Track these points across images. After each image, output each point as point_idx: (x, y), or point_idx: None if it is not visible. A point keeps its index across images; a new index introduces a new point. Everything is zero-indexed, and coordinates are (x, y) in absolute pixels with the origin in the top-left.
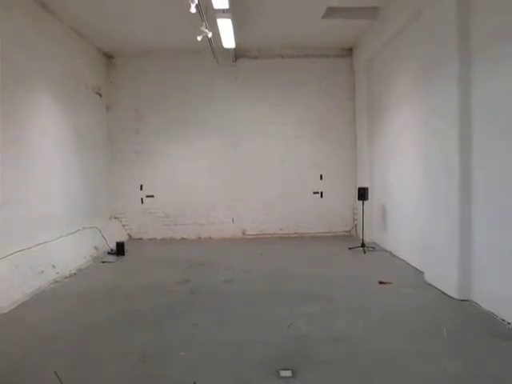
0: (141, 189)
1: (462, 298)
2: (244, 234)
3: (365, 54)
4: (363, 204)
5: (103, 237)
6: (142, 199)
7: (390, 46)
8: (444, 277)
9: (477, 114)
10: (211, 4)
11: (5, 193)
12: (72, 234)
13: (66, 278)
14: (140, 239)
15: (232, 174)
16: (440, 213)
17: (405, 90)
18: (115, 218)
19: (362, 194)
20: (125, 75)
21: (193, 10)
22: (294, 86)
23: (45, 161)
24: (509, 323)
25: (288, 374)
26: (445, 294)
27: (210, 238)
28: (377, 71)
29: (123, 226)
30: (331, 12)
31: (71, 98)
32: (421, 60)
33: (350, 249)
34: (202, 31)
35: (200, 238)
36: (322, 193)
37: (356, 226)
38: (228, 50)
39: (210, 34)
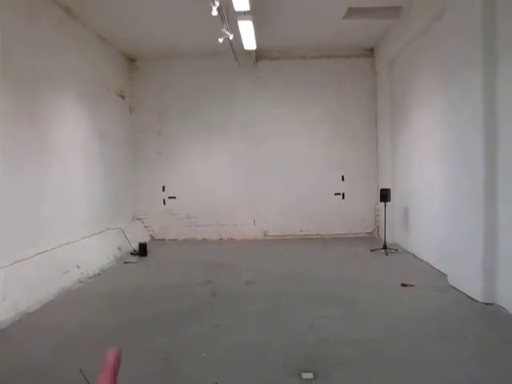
0: (163, 190)
1: (486, 302)
2: (265, 235)
3: (387, 54)
4: (385, 205)
5: (126, 237)
6: (164, 200)
7: (413, 45)
8: (468, 279)
9: (502, 116)
10: (232, 6)
11: (29, 193)
12: (96, 234)
13: (90, 278)
14: (162, 240)
15: (253, 175)
16: (463, 214)
17: (428, 91)
18: (138, 218)
19: (384, 195)
20: (147, 77)
21: (214, 12)
22: (315, 87)
23: (69, 161)
24: None
25: (310, 376)
26: (469, 297)
27: (232, 239)
28: (399, 71)
29: (146, 226)
30: (352, 12)
31: (95, 99)
32: (444, 60)
33: (372, 250)
34: (223, 33)
35: (222, 239)
36: (343, 194)
37: (378, 227)
38: (249, 52)
39: (231, 36)
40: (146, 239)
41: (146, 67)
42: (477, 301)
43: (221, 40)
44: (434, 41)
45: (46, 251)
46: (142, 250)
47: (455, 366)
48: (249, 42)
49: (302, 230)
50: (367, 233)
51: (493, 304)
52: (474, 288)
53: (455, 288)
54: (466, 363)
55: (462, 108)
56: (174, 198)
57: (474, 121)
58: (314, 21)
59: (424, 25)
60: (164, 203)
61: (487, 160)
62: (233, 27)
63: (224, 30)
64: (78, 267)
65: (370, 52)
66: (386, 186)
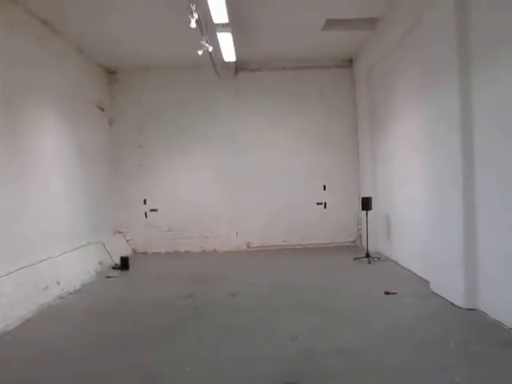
0: (144, 203)
1: (468, 307)
2: (248, 246)
3: (365, 64)
4: (367, 214)
5: (107, 251)
6: (145, 213)
7: (391, 55)
8: (450, 286)
9: (478, 120)
10: (211, 18)
11: (7, 208)
12: (76, 249)
13: (70, 293)
14: (144, 253)
15: (235, 186)
16: (444, 221)
17: (406, 99)
18: (119, 232)
19: (366, 203)
20: (127, 90)
21: (193, 25)
22: (296, 98)
23: (48, 175)
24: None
25: None
26: (451, 303)
27: (215, 250)
28: (378, 81)
29: (127, 240)
30: (330, 24)
31: (74, 112)
32: (421, 67)
33: (354, 259)
34: (202, 45)
35: (204, 251)
36: (325, 203)
37: (360, 236)
38: (228, 63)
39: (210, 48)
40: (127, 253)
41: (125, 79)
42: (459, 307)
43: (200, 52)
44: (411, 50)
45: (24, 267)
46: (124, 264)
47: (439, 373)
48: (228, 53)
49: (284, 241)
50: (350, 242)
51: (474, 310)
52: (455, 294)
53: (438, 294)
54: (450, 369)
55: (440, 114)
56: (156, 210)
57: (451, 126)
58: (293, 32)
59: (401, 35)
60: (146, 216)
61: (466, 166)
62: (212, 39)
63: (203, 43)
64: (58, 283)
65: (349, 63)
66: (367, 195)
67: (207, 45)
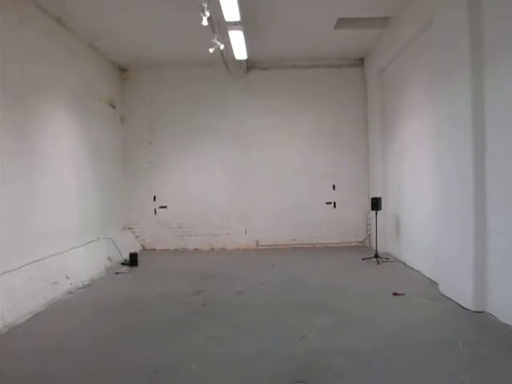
0: (154, 199)
1: (477, 310)
2: (257, 244)
3: (376, 63)
4: (376, 214)
5: (117, 247)
6: (155, 210)
7: (402, 55)
8: (459, 288)
9: (490, 121)
10: (223, 16)
11: (19, 203)
12: (86, 244)
13: (79, 288)
14: (153, 250)
15: (245, 185)
16: (454, 223)
17: (417, 99)
18: (128, 228)
19: (375, 204)
20: (138, 87)
21: (205, 22)
22: (306, 96)
23: (59, 171)
24: None
25: None
26: (460, 305)
27: (224, 248)
28: (389, 80)
29: (136, 236)
30: (342, 23)
31: (85, 109)
32: (433, 68)
33: (363, 259)
34: (213, 43)
35: (213, 248)
36: (335, 203)
37: (369, 236)
38: (240, 62)
39: (221, 46)
40: (136, 249)
41: (137, 77)
42: (467, 309)
43: (212, 50)
44: (423, 50)
45: (35, 261)
46: (133, 260)
47: (448, 375)
48: (239, 51)
49: (293, 240)
50: (359, 242)
51: (483, 312)
52: (464, 296)
53: (446, 296)
54: (459, 371)
55: (452, 115)
56: (165, 207)
57: (463, 127)
58: (305, 31)
59: (413, 34)
60: (155, 213)
61: (476, 168)
62: (224, 37)
63: (215, 40)
64: (68, 278)
65: (361, 61)
66: (377, 195)
67: (219, 43)
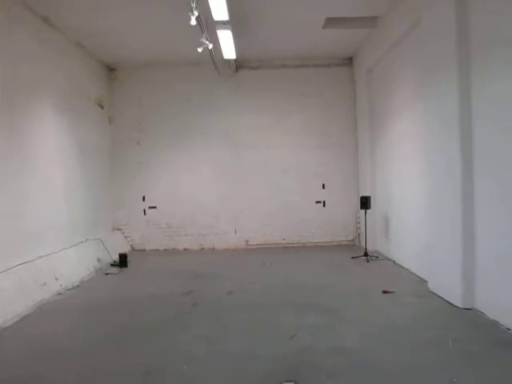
0: (143, 200)
1: (466, 307)
2: (247, 244)
3: (365, 62)
4: (366, 213)
5: (106, 248)
6: (144, 210)
7: (391, 54)
8: (448, 286)
9: (478, 119)
10: (211, 16)
11: (7, 204)
12: (75, 245)
13: (69, 290)
14: (143, 250)
15: (234, 184)
16: (442, 221)
17: (406, 98)
18: (118, 229)
19: (365, 202)
20: (127, 87)
21: (193, 22)
22: (295, 96)
23: (47, 172)
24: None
25: None
26: (449, 302)
27: (213, 248)
28: (377, 79)
29: (126, 237)
30: (331, 22)
31: (73, 109)
32: (421, 67)
33: (353, 258)
34: (202, 43)
35: (203, 248)
36: (324, 202)
37: (359, 235)
38: (229, 61)
39: (210, 46)
40: (126, 250)
41: (125, 76)
42: (456, 306)
43: (200, 49)
44: (411, 49)
45: (24, 263)
46: (123, 261)
47: (438, 372)
48: (228, 51)
49: (283, 239)
50: (348, 240)
51: (471, 309)
52: (453, 294)
53: (435, 294)
54: (449, 369)
55: (439, 113)
56: (155, 207)
57: (450, 125)
58: (293, 30)
59: (401, 34)
60: (144, 213)
61: (464, 166)
62: (212, 37)
63: (203, 40)
64: (57, 279)
65: (349, 61)
66: (366, 194)
67: (207, 42)
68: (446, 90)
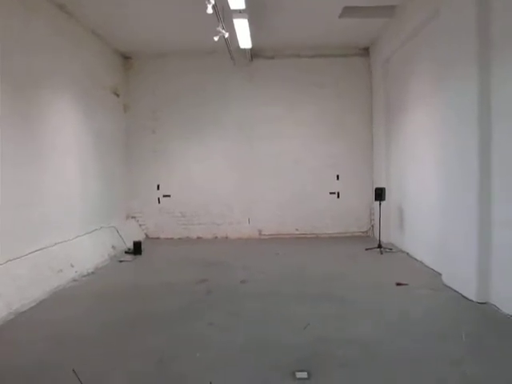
0: (158, 188)
1: (480, 301)
2: (260, 234)
3: (382, 53)
4: (380, 204)
5: (120, 236)
6: (158, 199)
7: (408, 45)
8: (462, 279)
9: (496, 115)
10: (228, 4)
11: (24, 191)
12: (90, 233)
13: (84, 276)
14: (157, 238)
15: (248, 174)
16: (458, 214)
17: (423, 91)
18: (132, 217)
19: (379, 194)
20: (142, 76)
21: (209, 10)
22: (310, 86)
23: (63, 160)
24: None
25: (304, 375)
26: (463, 296)
27: (227, 237)
28: (394, 70)
29: (140, 225)
30: (348, 11)
31: (89, 97)
32: (439, 60)
33: (366, 249)
34: (218, 31)
35: (216, 237)
36: (338, 193)
37: (373, 226)
38: (244, 50)
39: (226, 35)
40: (140, 238)
41: (141, 65)
42: (471, 300)
43: (216, 38)
44: (429, 40)
45: (40, 249)
46: (137, 249)
47: (450, 365)
48: (244, 40)
49: (297, 229)
50: (362, 232)
51: (486, 303)
52: (467, 287)
53: (449, 287)
54: (461, 362)
55: (457, 107)
56: (169, 196)
57: (469, 120)
58: (310, 20)
59: (419, 24)
60: (159, 202)
61: (482, 160)
62: (228, 26)
63: (219, 29)
64: (72, 266)
65: (366, 51)
66: (380, 185)
67: (223, 31)
68: (465, 83)
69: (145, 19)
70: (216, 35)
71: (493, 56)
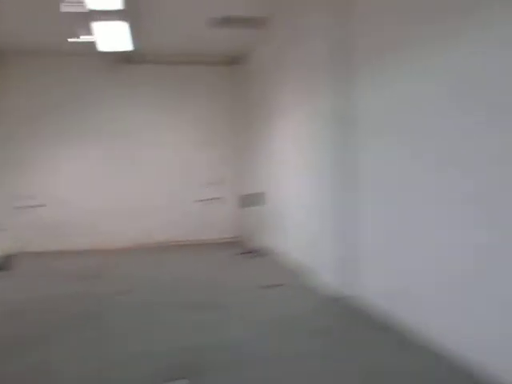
0: (30, 198)
1: (348, 296)
2: (135, 243)
3: (255, 61)
4: (254, 209)
5: None
6: (32, 209)
7: (279, 53)
8: (324, 276)
9: (354, 120)
10: (101, 7)
11: None
12: None
13: None
14: (29, 252)
15: (125, 182)
16: (324, 217)
17: (290, 100)
18: (1, 229)
19: (253, 199)
20: (13, 77)
21: (79, 11)
22: (185, 94)
23: None
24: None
25: (184, 383)
26: (332, 294)
27: (102, 249)
28: (268, 78)
29: (9, 238)
30: (217, 21)
31: None
32: (304, 66)
33: (239, 254)
34: (80, 33)
35: (92, 249)
36: (213, 199)
37: (247, 231)
38: (119, 54)
39: (92, 37)
40: (11, 251)
41: (12, 66)
42: (339, 297)
43: (74, 39)
44: (298, 50)
45: None
46: (7, 264)
47: (321, 359)
48: (113, 43)
49: (170, 237)
50: (235, 237)
51: (351, 297)
52: (329, 283)
53: (319, 286)
54: (331, 356)
55: (318, 113)
56: (41, 206)
57: (326, 125)
58: (182, 28)
59: (287, 34)
60: (33, 212)
61: (333, 166)
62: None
63: (80, 31)
64: None
65: (238, 60)
66: (255, 191)
67: (86, 33)
68: (326, 91)
69: (9, 17)
70: (77, 37)
71: (345, 62)
